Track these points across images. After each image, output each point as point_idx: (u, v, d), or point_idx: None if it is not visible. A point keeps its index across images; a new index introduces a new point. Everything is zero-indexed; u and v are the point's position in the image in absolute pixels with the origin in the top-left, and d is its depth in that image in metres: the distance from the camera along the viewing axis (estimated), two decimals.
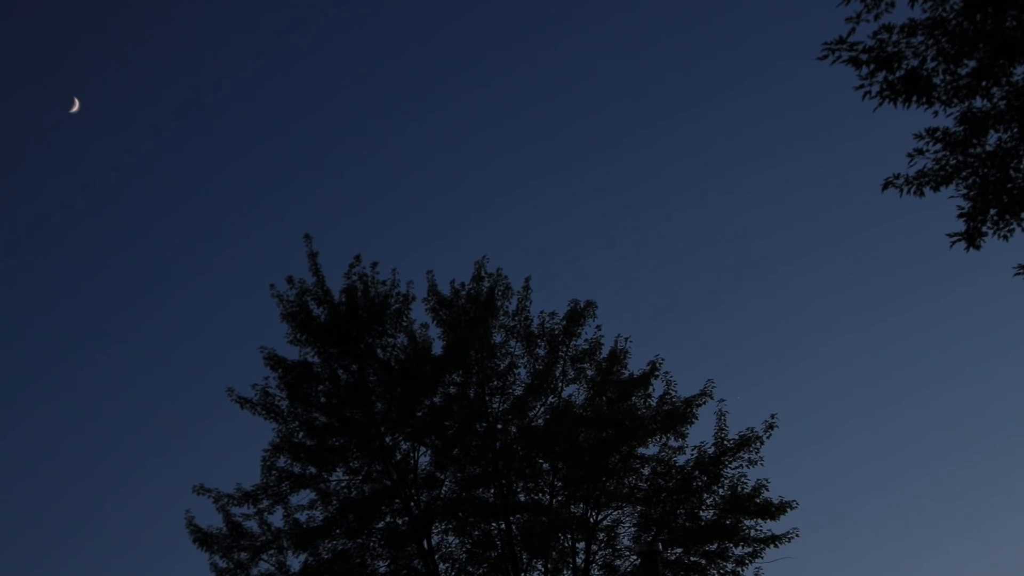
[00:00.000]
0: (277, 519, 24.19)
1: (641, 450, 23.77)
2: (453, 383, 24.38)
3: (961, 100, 12.31)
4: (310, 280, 25.04)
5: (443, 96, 59.99)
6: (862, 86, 12.40)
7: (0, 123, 56.74)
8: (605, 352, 24.26)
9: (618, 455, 23.49)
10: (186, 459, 49.75)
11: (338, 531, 23.80)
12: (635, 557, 23.06)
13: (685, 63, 57.92)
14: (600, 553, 23.62)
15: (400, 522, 24.08)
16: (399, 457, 24.36)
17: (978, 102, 12.30)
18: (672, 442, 23.62)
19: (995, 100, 12.24)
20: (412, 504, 24.01)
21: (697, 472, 23.23)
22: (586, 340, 24.32)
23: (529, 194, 56.74)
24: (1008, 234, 12.58)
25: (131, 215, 59.98)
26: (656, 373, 23.91)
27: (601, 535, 23.64)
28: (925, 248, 53.14)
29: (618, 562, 23.58)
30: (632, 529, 23.64)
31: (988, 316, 51.76)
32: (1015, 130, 12.23)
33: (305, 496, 24.28)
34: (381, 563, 24.04)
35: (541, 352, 24.38)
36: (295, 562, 24.01)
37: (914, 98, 12.36)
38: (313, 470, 24.31)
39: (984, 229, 12.59)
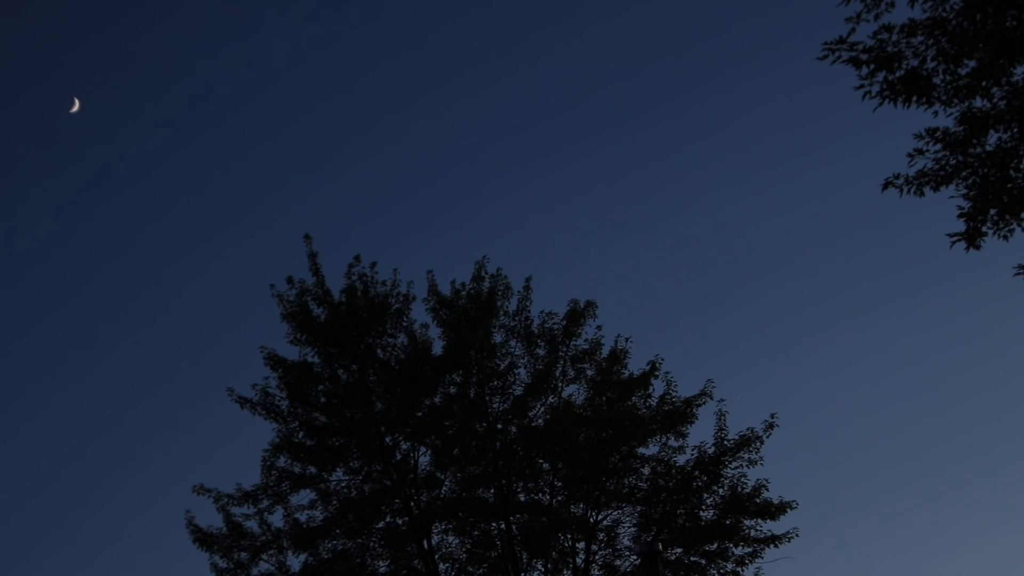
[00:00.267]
0: (277, 519, 24.24)
1: (641, 450, 23.78)
2: (453, 383, 24.38)
3: (961, 100, 12.31)
4: (310, 280, 25.08)
5: (443, 96, 60.05)
6: (862, 86, 12.40)
7: (0, 123, 56.75)
8: (605, 352, 24.27)
9: (618, 455, 23.49)
10: (186, 459, 49.79)
11: (338, 531, 23.80)
12: (635, 557, 23.06)
13: (685, 63, 57.96)
14: (600, 553, 23.63)
15: (400, 522, 24.09)
16: (399, 457, 24.36)
17: (978, 102, 12.30)
18: (672, 442, 23.65)
19: (995, 100, 12.23)
20: (412, 504, 24.01)
21: (697, 472, 23.23)
22: (586, 340, 24.35)
23: (529, 194, 56.79)
24: (1008, 234, 12.57)
25: (131, 215, 60.03)
26: (656, 373, 23.92)
27: (601, 535, 23.64)
28: (925, 248, 53.18)
29: (618, 562, 23.60)
30: (632, 529, 23.66)
31: (988, 316, 51.81)
32: (1015, 130, 12.23)
33: (305, 496, 24.33)
34: (381, 563, 24.06)
35: (541, 352, 24.38)
36: (295, 562, 24.06)
37: (914, 98, 12.35)
38: (313, 470, 24.32)
39: (984, 229, 12.58)
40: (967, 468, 49.09)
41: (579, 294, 27.17)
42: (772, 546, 22.96)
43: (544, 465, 23.96)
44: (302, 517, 24.13)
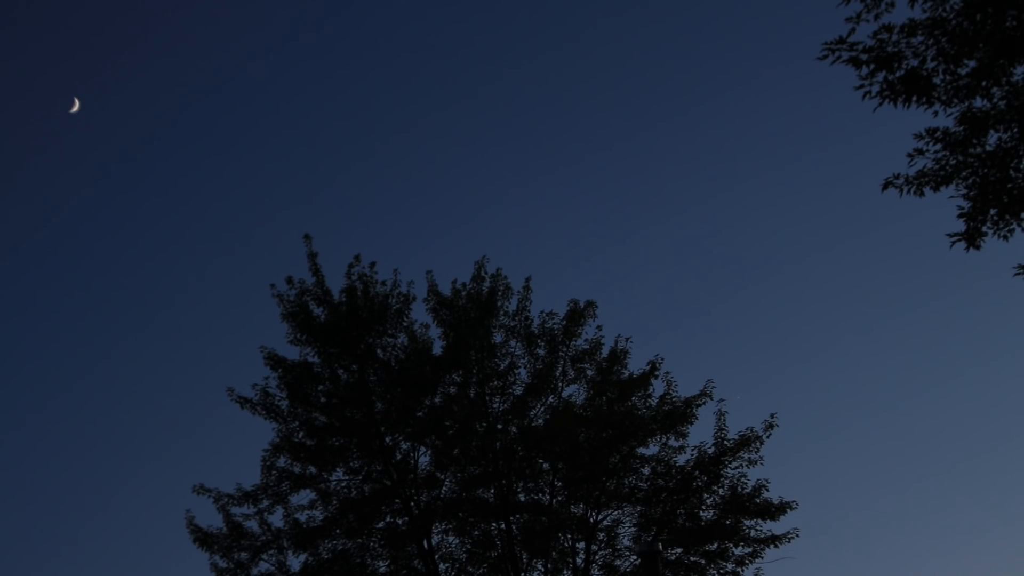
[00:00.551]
0: (277, 519, 24.25)
1: (641, 450, 23.79)
2: (453, 383, 24.39)
3: (961, 100, 12.31)
4: (310, 280, 25.09)
5: (443, 96, 60.04)
6: (862, 86, 12.40)
7: (0, 123, 56.76)
8: (605, 352, 24.28)
9: (618, 455, 23.50)
10: (186, 459, 49.78)
11: (338, 531, 23.80)
12: (635, 557, 23.06)
13: (685, 64, 57.97)
14: (600, 553, 23.63)
15: (400, 522, 24.09)
16: (399, 457, 24.36)
17: (978, 102, 12.29)
18: (672, 442, 23.66)
19: (995, 100, 12.23)
20: (412, 504, 24.01)
21: (697, 472, 23.24)
22: (586, 340, 24.36)
23: (529, 194, 56.79)
24: (1008, 234, 12.57)
25: (131, 215, 60.02)
26: (656, 373, 23.93)
27: (601, 535, 23.64)
28: (925, 248, 53.18)
29: (618, 562, 23.60)
30: (632, 529, 23.66)
31: (988, 316, 51.80)
32: (1015, 130, 12.23)
33: (305, 496, 24.33)
34: (381, 563, 24.06)
35: (541, 352, 24.39)
36: (295, 562, 24.06)
37: (914, 98, 12.35)
38: (313, 470, 24.32)
39: (984, 229, 12.58)
40: (967, 468, 49.12)
41: (579, 294, 27.20)
42: (772, 546, 22.97)
43: (544, 465, 23.96)
44: (302, 517, 24.17)
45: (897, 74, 12.30)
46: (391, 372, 24.47)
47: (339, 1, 60.05)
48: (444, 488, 24.21)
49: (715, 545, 23.06)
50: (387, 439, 24.39)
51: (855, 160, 51.91)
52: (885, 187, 12.67)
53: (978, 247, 12.68)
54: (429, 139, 59.47)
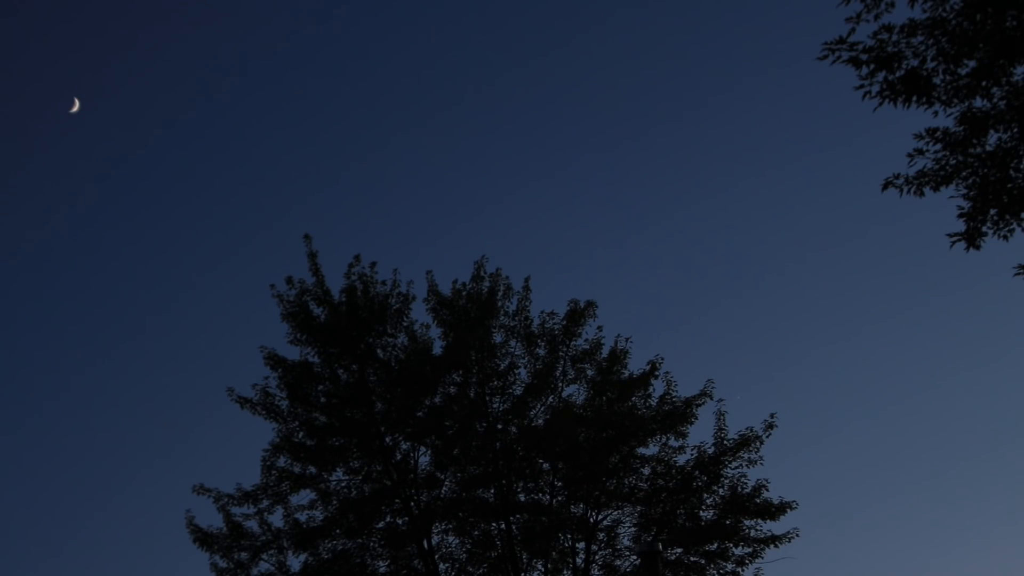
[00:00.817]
0: (277, 519, 24.25)
1: (641, 450, 23.79)
2: (453, 383, 24.39)
3: (961, 100, 12.31)
4: (310, 280, 25.09)
5: (443, 96, 60.05)
6: (862, 86, 12.40)
7: (0, 123, 56.76)
8: (605, 352, 24.28)
9: (618, 455, 23.49)
10: (186, 459, 49.81)
11: (338, 531, 23.80)
12: (635, 557, 23.06)
13: (685, 63, 57.96)
14: (600, 553, 23.62)
15: (400, 522, 24.09)
16: (399, 457, 24.37)
17: (978, 102, 12.30)
18: (672, 442, 23.66)
19: (995, 100, 12.23)
20: (412, 504, 24.01)
21: (697, 472, 23.24)
22: (586, 340, 24.35)
23: (529, 194, 56.79)
24: (1008, 234, 12.57)
25: (131, 215, 60.04)
26: (656, 373, 23.93)
27: (601, 535, 23.64)
28: (925, 248, 53.17)
29: (618, 562, 23.60)
30: (632, 529, 23.66)
31: (988, 316, 51.79)
32: (1015, 130, 12.23)
33: (305, 496, 24.34)
34: (381, 563, 24.06)
35: (541, 352, 24.39)
36: (295, 562, 24.06)
37: (914, 98, 12.35)
38: (313, 470, 24.32)
39: (984, 229, 12.58)
40: (967, 468, 49.14)
41: (579, 294, 27.22)
42: (772, 546, 22.97)
43: (544, 465, 23.97)
44: (302, 517, 24.17)
45: (897, 74, 12.30)
46: (391, 372, 24.48)
47: (339, 2, 60.10)
48: (444, 488, 24.22)
49: (715, 545, 23.06)
50: (387, 439, 24.40)
51: (855, 160, 51.94)
52: (885, 187, 12.68)
53: (978, 247, 12.68)
54: (429, 139, 59.53)
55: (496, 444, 23.83)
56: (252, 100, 61.50)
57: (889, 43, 12.21)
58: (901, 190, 12.70)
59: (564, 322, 24.29)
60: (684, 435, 23.61)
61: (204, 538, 23.93)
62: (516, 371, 24.38)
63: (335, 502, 24.08)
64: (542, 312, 24.54)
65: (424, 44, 60.06)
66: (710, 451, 23.29)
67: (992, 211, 12.48)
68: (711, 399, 23.63)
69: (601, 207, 57.04)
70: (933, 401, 51.37)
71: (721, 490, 23.23)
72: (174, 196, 59.73)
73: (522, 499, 23.90)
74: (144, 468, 52.15)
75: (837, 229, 55.66)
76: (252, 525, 24.12)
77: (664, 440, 23.63)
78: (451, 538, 24.10)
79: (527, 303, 24.73)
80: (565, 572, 23.39)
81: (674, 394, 23.84)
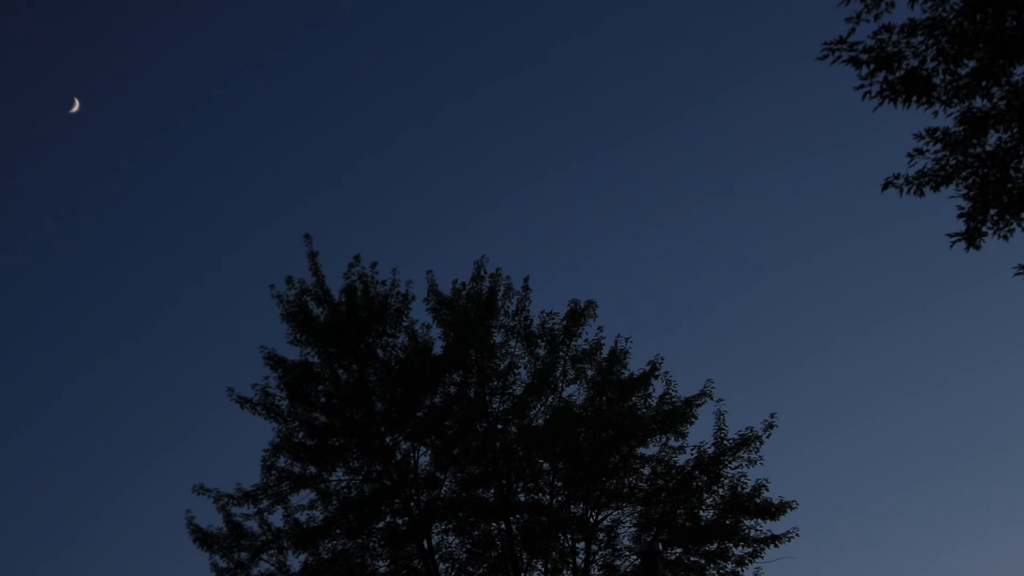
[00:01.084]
0: (277, 519, 24.24)
1: (641, 450, 23.80)
2: (453, 383, 24.39)
3: (961, 100, 12.31)
4: (310, 280, 25.09)
5: (444, 96, 60.02)
6: (862, 86, 12.40)
7: (0, 123, 56.75)
8: (605, 352, 24.27)
9: (618, 455, 23.49)
10: (186, 459, 49.80)
11: (338, 531, 23.80)
12: (635, 557, 23.06)
13: (685, 64, 57.96)
14: (600, 553, 23.63)
15: (400, 522, 24.09)
16: (399, 457, 24.37)
17: (978, 102, 12.30)
18: (672, 442, 23.65)
19: (995, 100, 12.23)
20: (412, 504, 24.01)
21: (697, 472, 23.24)
22: (586, 340, 24.35)
23: (529, 194, 56.79)
24: (1008, 234, 12.58)
25: (131, 215, 60.02)
26: (656, 373, 23.92)
27: (601, 535, 23.64)
28: (925, 248, 53.17)
29: (618, 562, 23.60)
30: (632, 529, 23.67)
31: (988, 316, 51.79)
32: (1015, 130, 12.23)
33: (305, 496, 24.33)
34: (381, 563, 24.06)
35: (541, 352, 24.39)
36: (295, 562, 24.06)
37: (914, 98, 12.35)
38: (313, 470, 24.32)
39: (984, 229, 12.59)
40: (967, 468, 49.12)
41: (579, 294, 27.17)
42: (772, 546, 22.97)
43: (544, 465, 23.97)
44: (302, 517, 24.17)
45: (897, 74, 12.30)
46: (391, 372, 24.48)
47: (339, 2, 60.08)
48: (444, 488, 24.22)
49: (715, 545, 23.06)
50: (387, 439, 24.40)
51: (855, 160, 51.94)
52: (885, 187, 12.68)
53: (978, 247, 12.68)
54: (429, 139, 59.52)
55: (496, 444, 23.83)
56: (252, 100, 61.54)
57: (889, 43, 12.21)
58: (901, 190, 12.70)
59: (564, 322, 24.30)
60: (684, 435, 23.62)
61: (204, 538, 23.93)
62: (516, 371, 24.39)
63: (335, 502, 24.08)
64: (542, 312, 24.58)
65: (424, 44, 60.10)
66: (710, 451, 23.30)
67: (992, 211, 12.48)
68: (711, 399, 23.66)
69: (601, 207, 57.07)
70: (933, 401, 51.40)
71: (721, 490, 23.24)
72: (174, 196, 59.76)
73: (522, 499, 23.90)
74: (144, 468, 52.20)
75: (837, 229, 55.71)
76: (252, 525, 24.16)
77: (664, 440, 23.64)
78: (451, 538, 24.12)
79: (527, 303, 24.75)
80: (565, 572, 23.39)
81: (674, 394, 23.86)
